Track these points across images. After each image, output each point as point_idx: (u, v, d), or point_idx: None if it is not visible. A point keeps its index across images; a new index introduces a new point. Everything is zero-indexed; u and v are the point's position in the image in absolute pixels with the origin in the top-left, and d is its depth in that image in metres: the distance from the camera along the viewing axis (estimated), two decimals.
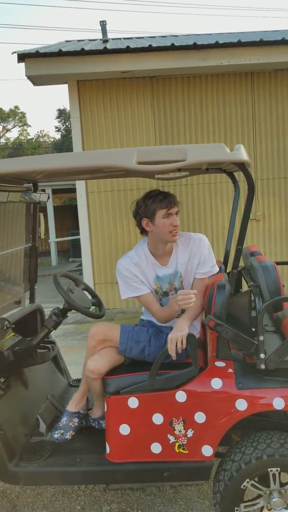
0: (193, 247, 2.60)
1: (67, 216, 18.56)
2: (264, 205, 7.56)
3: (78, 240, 14.26)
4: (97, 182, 7.45)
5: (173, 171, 2.53)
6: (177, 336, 2.33)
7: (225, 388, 2.27)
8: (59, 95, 68.20)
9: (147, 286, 2.60)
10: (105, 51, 6.75)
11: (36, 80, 7.21)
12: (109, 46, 7.04)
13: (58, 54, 6.66)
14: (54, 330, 2.72)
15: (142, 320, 2.81)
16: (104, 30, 9.47)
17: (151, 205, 2.50)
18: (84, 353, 2.75)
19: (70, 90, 7.38)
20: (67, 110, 34.44)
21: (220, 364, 2.35)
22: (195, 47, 6.70)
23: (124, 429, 2.35)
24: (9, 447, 2.46)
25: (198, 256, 2.58)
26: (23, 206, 3.28)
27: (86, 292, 2.94)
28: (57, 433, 2.61)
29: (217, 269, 2.64)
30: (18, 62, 6.64)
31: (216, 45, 6.71)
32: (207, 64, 6.85)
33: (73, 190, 12.81)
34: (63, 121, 34.17)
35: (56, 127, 37.87)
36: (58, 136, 34.90)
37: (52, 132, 45.97)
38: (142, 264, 2.60)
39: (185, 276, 2.62)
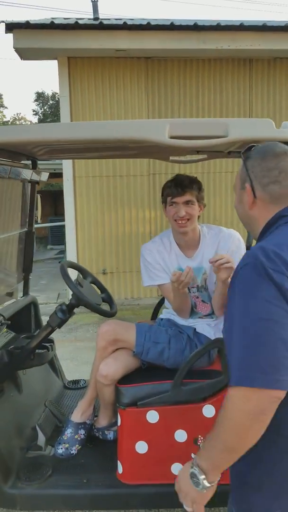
0: (221, 241, 2.35)
1: (46, 202, 18.00)
2: None
3: (58, 227, 13.65)
4: (85, 166, 7.05)
5: (208, 150, 2.20)
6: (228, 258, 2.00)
7: None
8: (38, 78, 66.65)
9: (169, 276, 2.33)
10: (100, 27, 6.33)
11: (24, 53, 6.72)
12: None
13: (49, 26, 6.21)
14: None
15: (161, 319, 2.50)
16: (95, 8, 9.00)
17: (164, 190, 2.34)
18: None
19: (60, 66, 6.92)
20: (46, 94, 33.59)
21: None
22: (195, 27, 6.35)
23: (141, 447, 2.04)
24: (4, 466, 2.11)
25: (225, 253, 2.28)
26: (19, 186, 2.90)
27: (94, 286, 2.59)
28: (61, 448, 2.28)
29: None
30: (6, 32, 6.16)
31: (218, 27, 6.37)
32: (207, 47, 6.51)
33: (52, 175, 12.23)
34: (41, 104, 33.35)
35: (33, 110, 36.85)
36: (35, 119, 33.96)
37: (29, 115, 44.83)
38: (165, 252, 2.38)
39: (210, 273, 2.32)
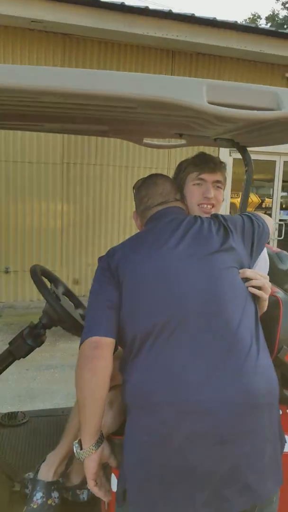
0: None
1: None
2: None
3: None
4: None
5: (249, 126, 1.73)
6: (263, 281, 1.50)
7: None
8: None
9: None
10: None
11: None
12: None
13: None
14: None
15: None
16: None
17: (185, 167, 1.82)
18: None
19: None
20: None
21: None
22: (122, 8, 5.86)
23: None
24: None
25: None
26: None
27: (67, 299, 2.00)
28: None
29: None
30: None
31: (145, 12, 5.95)
32: (132, 31, 6.05)
33: None
34: None
35: None
36: None
37: None
38: None
39: None
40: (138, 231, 1.70)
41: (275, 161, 7.40)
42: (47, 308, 1.71)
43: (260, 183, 8.67)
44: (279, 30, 6.74)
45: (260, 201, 8.49)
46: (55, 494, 1.73)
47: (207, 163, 1.76)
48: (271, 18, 26.93)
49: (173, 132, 2.29)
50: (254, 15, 28.40)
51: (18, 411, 2.49)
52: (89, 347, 1.31)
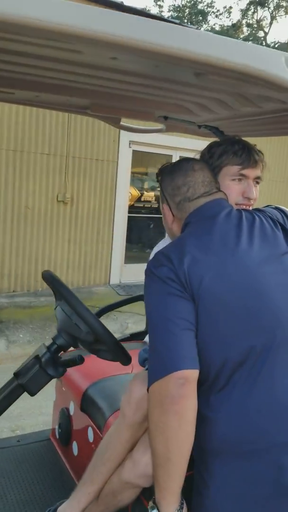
0: None
1: None
2: (73, 186, 6.66)
3: None
4: None
5: None
6: None
7: None
8: None
9: None
10: None
11: None
12: None
13: None
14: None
15: None
16: None
17: (220, 156, 1.49)
18: None
19: None
20: None
21: None
22: None
23: None
24: None
25: None
26: None
27: None
28: None
29: None
30: None
31: None
32: None
33: None
34: None
35: None
36: None
37: None
38: None
39: None
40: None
41: (171, 156, 7.43)
42: (67, 325, 1.31)
43: (140, 176, 8.68)
44: (183, 24, 6.75)
45: (140, 194, 8.49)
46: None
47: (250, 155, 1.47)
48: None
49: (157, 115, 2.06)
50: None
51: None
52: (175, 385, 1.03)
